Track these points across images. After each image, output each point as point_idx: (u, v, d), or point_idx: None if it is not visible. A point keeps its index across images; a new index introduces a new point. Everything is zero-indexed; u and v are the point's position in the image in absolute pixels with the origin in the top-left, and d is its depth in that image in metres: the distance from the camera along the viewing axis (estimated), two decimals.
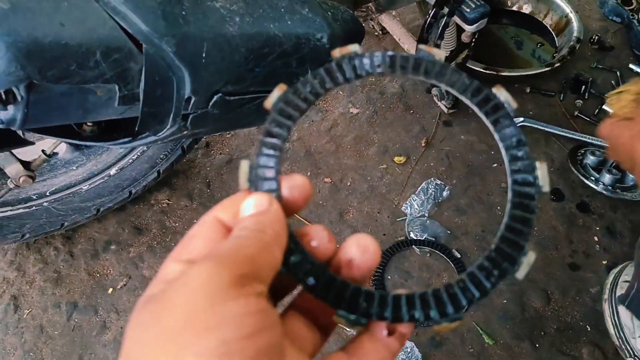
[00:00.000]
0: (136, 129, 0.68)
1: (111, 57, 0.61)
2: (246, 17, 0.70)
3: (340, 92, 1.64)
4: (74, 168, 1.27)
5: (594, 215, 1.31)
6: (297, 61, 0.77)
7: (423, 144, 1.47)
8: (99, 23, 0.60)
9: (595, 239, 1.27)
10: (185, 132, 0.74)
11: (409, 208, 1.36)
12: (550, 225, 1.30)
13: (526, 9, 1.68)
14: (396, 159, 1.46)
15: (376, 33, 1.76)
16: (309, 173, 1.45)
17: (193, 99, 0.68)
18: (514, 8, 1.70)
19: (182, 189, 1.45)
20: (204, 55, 0.66)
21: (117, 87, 0.64)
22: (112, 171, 1.27)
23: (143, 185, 1.31)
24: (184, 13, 0.64)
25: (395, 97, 1.60)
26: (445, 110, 1.51)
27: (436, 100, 1.53)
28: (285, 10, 0.74)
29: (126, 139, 0.74)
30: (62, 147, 1.27)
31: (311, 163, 1.48)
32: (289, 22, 0.75)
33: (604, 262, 1.23)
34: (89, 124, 0.78)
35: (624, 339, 1.08)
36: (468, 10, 1.03)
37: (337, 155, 1.49)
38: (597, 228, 1.29)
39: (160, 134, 0.71)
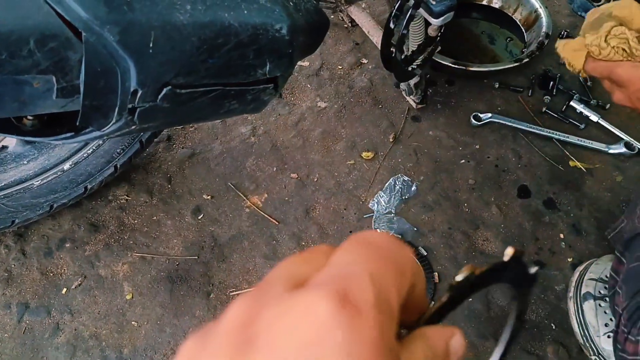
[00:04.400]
0: (77, 123, 0.63)
1: (47, 46, 0.56)
2: (198, 4, 0.66)
3: (308, 85, 1.60)
4: (25, 162, 1.21)
5: (560, 212, 1.30)
6: (255, 53, 0.73)
7: (391, 140, 1.45)
8: (32, 9, 0.55)
9: (561, 236, 1.27)
10: (133, 127, 0.69)
11: (376, 205, 1.33)
12: (517, 223, 1.29)
13: (496, 4, 1.67)
14: (364, 154, 1.43)
15: (345, 25, 1.73)
16: (274, 168, 1.42)
17: (140, 92, 0.63)
18: (484, 2, 1.68)
19: (142, 184, 1.39)
20: (151, 44, 0.62)
21: (54, 79, 0.59)
22: (66, 166, 1.21)
23: (99, 181, 1.25)
24: None
25: (364, 92, 1.57)
26: (414, 105, 1.49)
27: (405, 95, 1.50)
28: None
29: (69, 134, 0.69)
30: (11, 141, 1.20)
31: (277, 158, 1.44)
32: (245, 12, 0.70)
33: (570, 260, 1.23)
34: (29, 117, 0.73)
35: (588, 337, 1.08)
36: (434, 2, 1.00)
37: (304, 150, 1.45)
38: (563, 225, 1.28)
39: (104, 129, 0.66)
